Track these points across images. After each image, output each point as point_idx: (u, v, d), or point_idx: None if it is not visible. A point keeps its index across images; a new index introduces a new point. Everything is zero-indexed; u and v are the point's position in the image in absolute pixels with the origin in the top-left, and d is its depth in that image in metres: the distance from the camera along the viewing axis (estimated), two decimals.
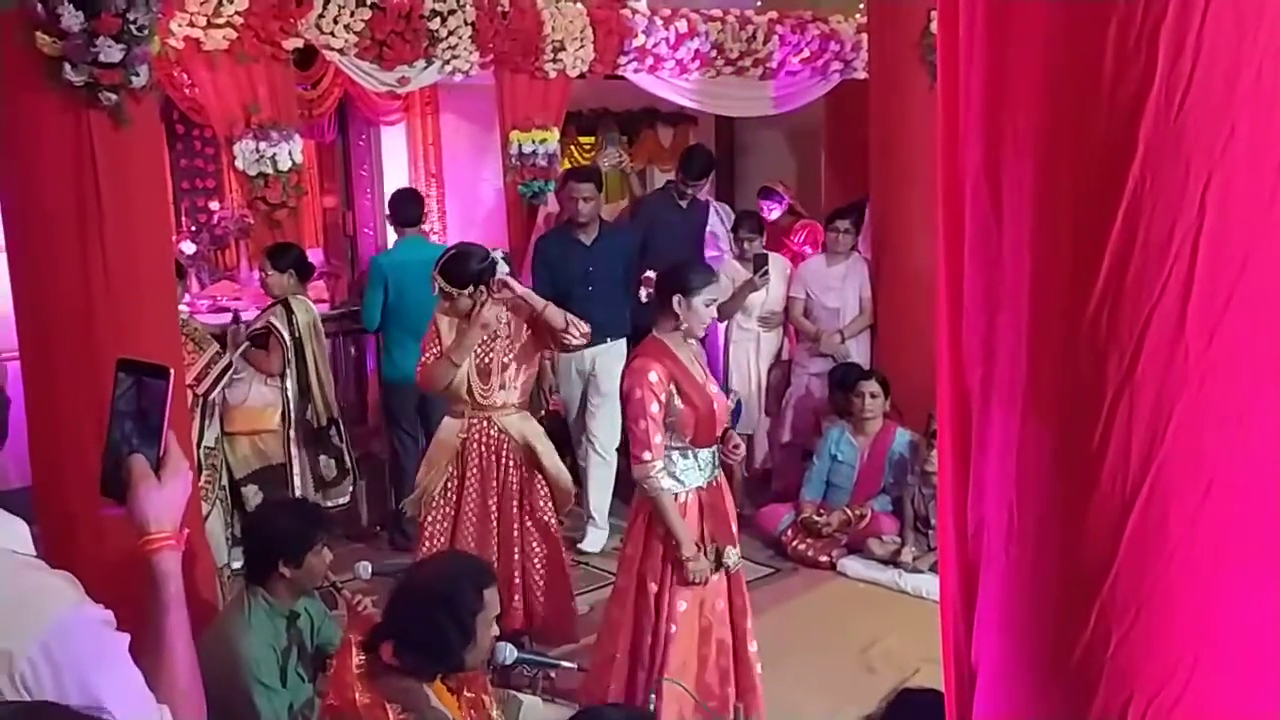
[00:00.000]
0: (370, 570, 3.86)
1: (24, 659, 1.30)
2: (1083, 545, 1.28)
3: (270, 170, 5.53)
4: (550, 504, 4.33)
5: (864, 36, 7.13)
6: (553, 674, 3.58)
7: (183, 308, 4.52)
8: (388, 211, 6.19)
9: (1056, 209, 1.25)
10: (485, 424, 4.22)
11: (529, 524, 4.30)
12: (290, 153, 5.59)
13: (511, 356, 4.20)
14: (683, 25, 6.89)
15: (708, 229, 6.83)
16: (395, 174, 8.12)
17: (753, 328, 6.30)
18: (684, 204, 6.59)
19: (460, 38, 5.93)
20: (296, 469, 5.24)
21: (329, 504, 5.23)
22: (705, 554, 3.62)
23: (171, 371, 1.54)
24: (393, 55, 5.77)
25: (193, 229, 7.64)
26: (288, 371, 5.20)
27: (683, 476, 3.63)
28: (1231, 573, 1.26)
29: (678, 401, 3.57)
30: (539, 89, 6.54)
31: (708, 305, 3.67)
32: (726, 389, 5.82)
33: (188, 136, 7.59)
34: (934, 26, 4.99)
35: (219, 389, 4.75)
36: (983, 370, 1.39)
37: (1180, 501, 1.24)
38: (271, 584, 3.31)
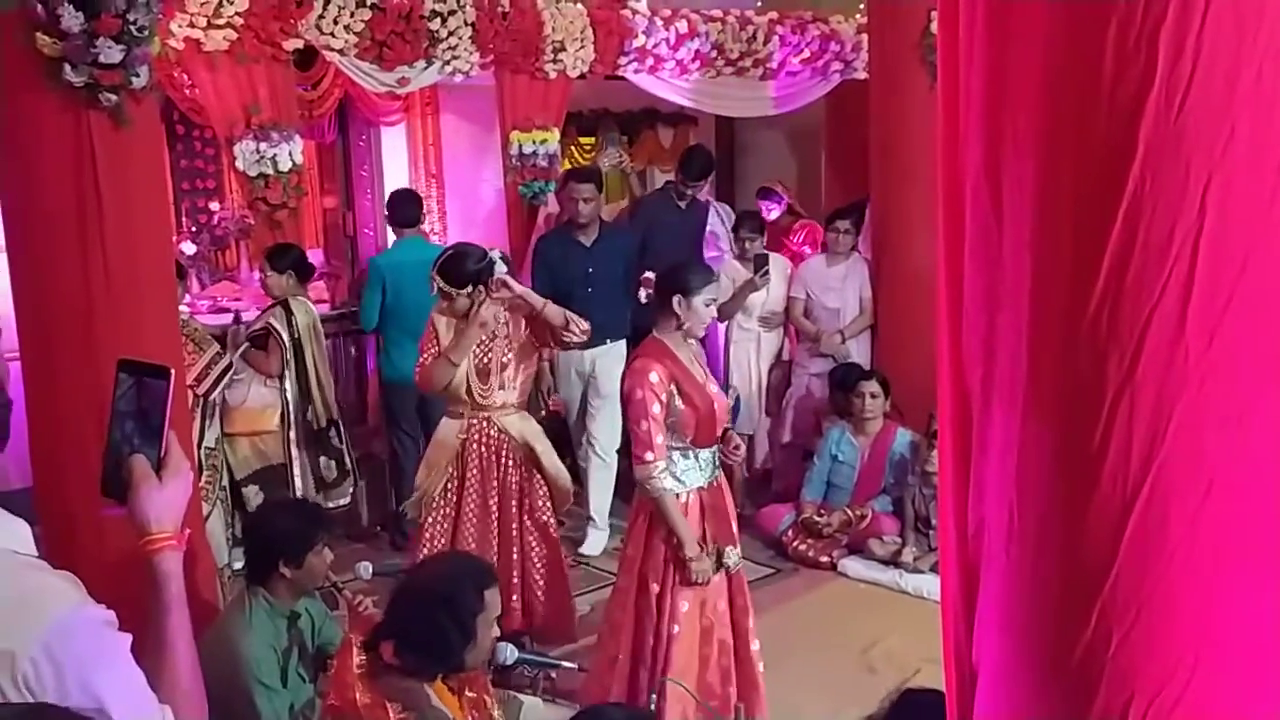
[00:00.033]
0: (371, 571, 3.87)
1: (26, 659, 1.30)
2: (1083, 545, 1.28)
3: (270, 171, 5.54)
4: (549, 504, 4.34)
5: (864, 37, 7.13)
6: (553, 674, 3.58)
7: (183, 308, 4.52)
8: (386, 212, 6.20)
9: (1057, 209, 1.25)
10: (485, 424, 4.22)
11: (529, 524, 4.30)
12: (290, 153, 5.59)
13: (510, 356, 4.21)
14: (683, 26, 6.89)
15: (708, 229, 6.83)
16: (395, 174, 8.12)
17: (753, 328, 6.30)
18: (683, 204, 6.59)
19: (460, 38, 5.93)
20: (297, 470, 5.24)
21: (330, 505, 5.23)
22: (706, 554, 3.62)
23: (172, 372, 1.54)
24: (393, 56, 5.78)
25: (193, 229, 7.64)
26: (286, 373, 5.20)
27: (684, 477, 3.63)
28: (1232, 573, 1.26)
29: (679, 402, 3.57)
30: (539, 89, 6.54)
31: (707, 305, 3.68)
32: (726, 387, 5.84)
33: (188, 137, 7.60)
34: (934, 27, 4.99)
35: (219, 389, 4.75)
36: (983, 370, 1.39)
37: (1181, 502, 1.24)
38: (272, 584, 3.31)
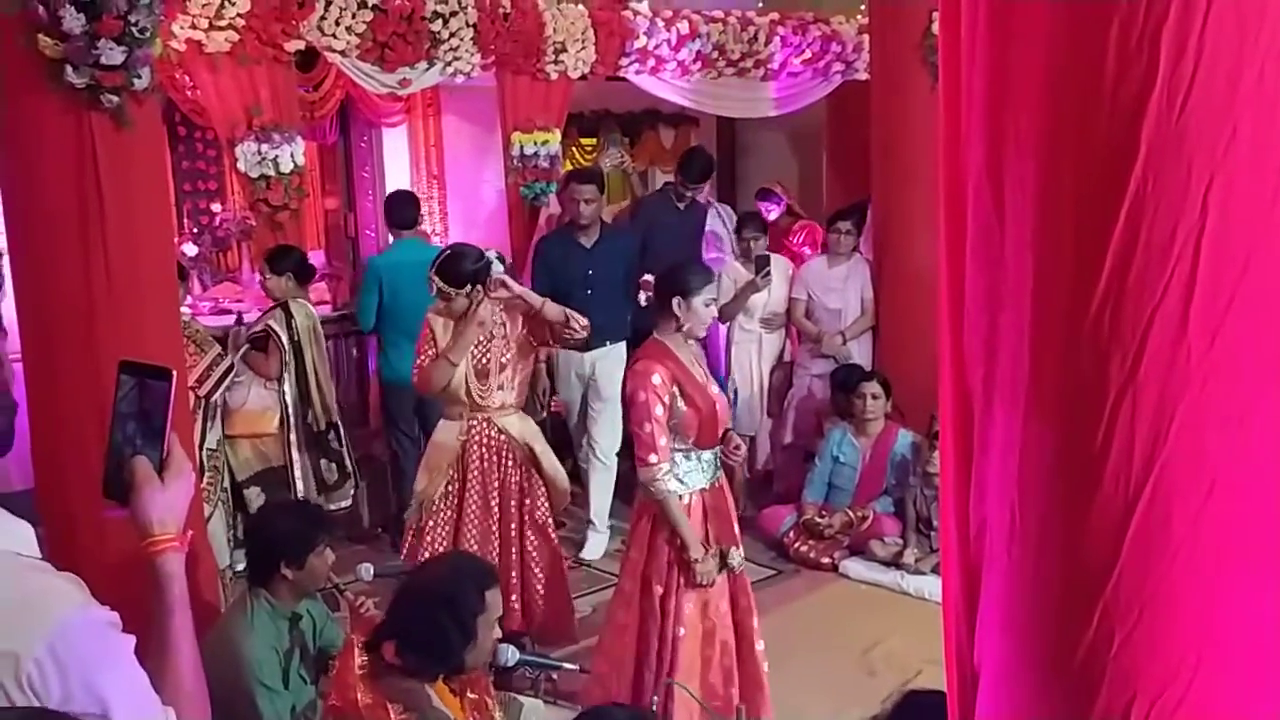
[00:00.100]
0: (372, 572, 3.87)
1: (30, 660, 1.30)
2: (1085, 546, 1.28)
3: (272, 172, 5.54)
4: (549, 504, 4.34)
5: (865, 37, 7.13)
6: (554, 676, 3.58)
7: (184, 310, 4.52)
8: (384, 213, 6.20)
9: (1059, 209, 1.25)
10: (485, 425, 4.22)
11: (529, 525, 4.31)
12: (292, 154, 5.60)
13: (509, 356, 4.21)
14: (684, 26, 6.89)
15: (709, 230, 6.84)
16: (397, 176, 8.13)
17: (755, 329, 6.30)
18: (682, 206, 6.58)
19: (462, 39, 5.94)
20: (298, 472, 5.24)
21: (331, 507, 5.23)
22: (710, 556, 3.62)
23: (174, 373, 1.54)
24: (394, 57, 5.78)
25: (194, 231, 7.65)
26: (286, 375, 5.20)
27: (686, 478, 3.63)
28: (1234, 573, 1.26)
29: (681, 404, 3.57)
30: (540, 90, 6.54)
31: (707, 305, 3.67)
32: (724, 384, 5.83)
33: (189, 138, 7.61)
34: (935, 27, 5.00)
35: (221, 391, 4.76)
36: (985, 370, 1.39)
37: (1183, 502, 1.24)
38: (274, 586, 3.31)
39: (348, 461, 5.45)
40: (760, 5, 7.75)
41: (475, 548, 4.15)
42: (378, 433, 6.16)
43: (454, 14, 5.86)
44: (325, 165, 8.20)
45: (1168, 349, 1.21)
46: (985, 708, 1.44)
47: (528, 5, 6.25)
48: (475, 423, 4.22)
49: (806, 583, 5.52)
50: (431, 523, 4.24)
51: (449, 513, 4.24)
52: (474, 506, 4.22)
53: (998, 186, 1.32)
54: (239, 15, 5.19)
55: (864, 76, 7.22)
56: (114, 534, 2.26)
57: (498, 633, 2.91)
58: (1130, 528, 1.25)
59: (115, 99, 3.28)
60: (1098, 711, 1.29)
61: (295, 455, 5.24)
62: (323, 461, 5.36)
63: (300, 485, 5.23)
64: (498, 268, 4.11)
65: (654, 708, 3.55)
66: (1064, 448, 1.29)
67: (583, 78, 6.71)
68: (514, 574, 4.26)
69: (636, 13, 6.78)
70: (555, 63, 6.44)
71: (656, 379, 3.53)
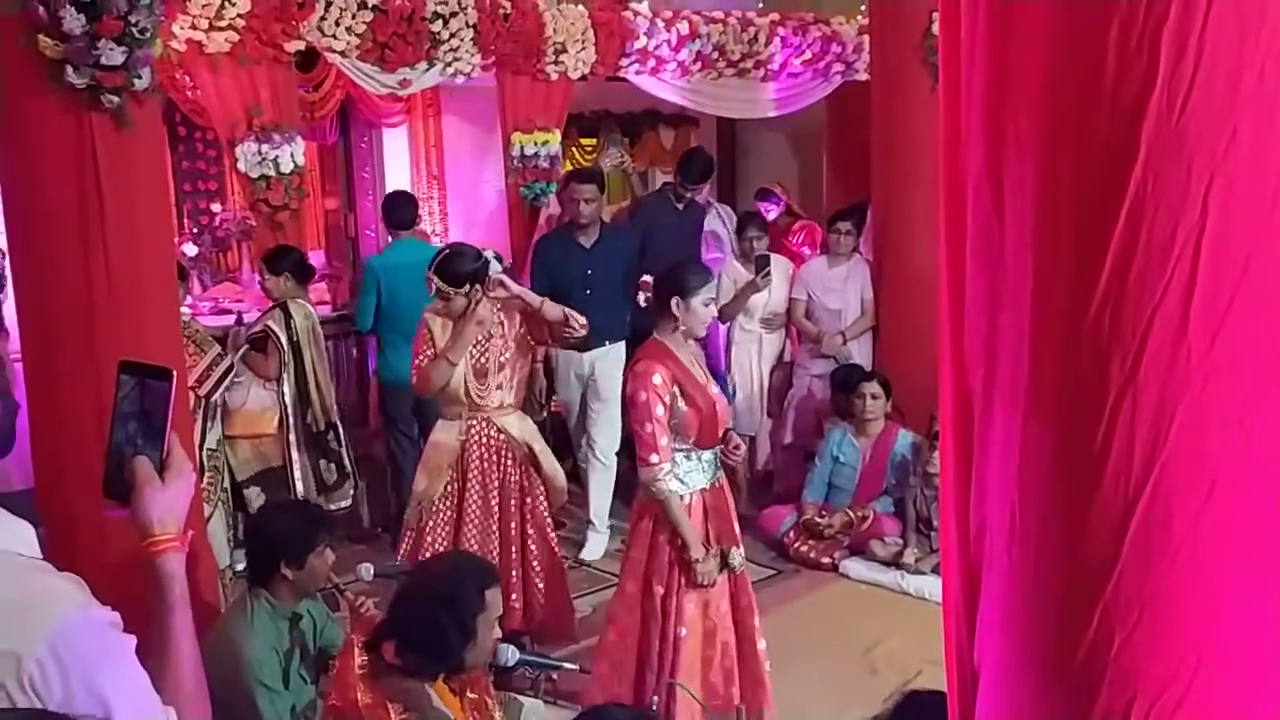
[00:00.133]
0: (372, 572, 3.86)
1: (32, 660, 1.30)
2: (1085, 546, 1.28)
3: (272, 172, 5.55)
4: (548, 504, 4.35)
5: (865, 38, 7.14)
6: (554, 676, 3.58)
7: (184, 310, 4.52)
8: (381, 214, 6.19)
9: (1059, 210, 1.25)
10: (484, 425, 4.22)
11: (529, 524, 4.31)
12: (292, 155, 5.60)
13: (507, 356, 4.21)
14: (684, 27, 6.90)
15: (709, 230, 6.84)
16: (397, 176, 8.14)
17: (755, 329, 6.31)
18: (681, 206, 6.58)
19: (462, 40, 5.94)
20: (298, 473, 5.24)
21: (330, 508, 5.23)
22: (711, 555, 3.62)
23: (174, 373, 1.54)
24: (394, 57, 5.78)
25: (195, 231, 7.66)
26: (285, 376, 5.20)
27: (687, 478, 3.63)
28: (1235, 574, 1.26)
29: (681, 404, 3.57)
30: (540, 91, 6.55)
31: (706, 305, 3.67)
32: (722, 381, 5.83)
33: (190, 139, 7.62)
34: (935, 28, 5.00)
35: (221, 391, 4.76)
36: (985, 371, 1.39)
37: (1183, 502, 1.24)
38: (274, 586, 3.31)
39: (347, 462, 5.45)
40: (760, 6, 7.76)
41: (475, 547, 4.15)
42: (378, 433, 6.16)
43: (454, 14, 5.86)
44: (325, 165, 8.21)
45: (1168, 349, 1.21)
46: (985, 708, 1.44)
47: (528, 6, 6.25)
48: (475, 422, 4.22)
49: (806, 583, 5.52)
50: (431, 523, 4.23)
51: (449, 513, 4.24)
52: (474, 506, 4.22)
53: (998, 186, 1.32)
54: (239, 16, 5.19)
55: (864, 77, 7.22)
56: (114, 534, 2.26)
57: (498, 632, 2.91)
58: (1130, 528, 1.25)
59: (115, 99, 3.28)
60: (1098, 712, 1.29)
61: (294, 456, 5.24)
62: (322, 462, 5.36)
63: (300, 486, 5.23)
64: (495, 267, 4.12)
65: (655, 708, 3.55)
66: (1064, 448, 1.29)
67: (583, 78, 6.71)
68: (514, 573, 4.26)
69: (637, 13, 6.78)
70: (555, 63, 6.44)
71: (657, 379, 3.53)
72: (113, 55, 3.21)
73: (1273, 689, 1.29)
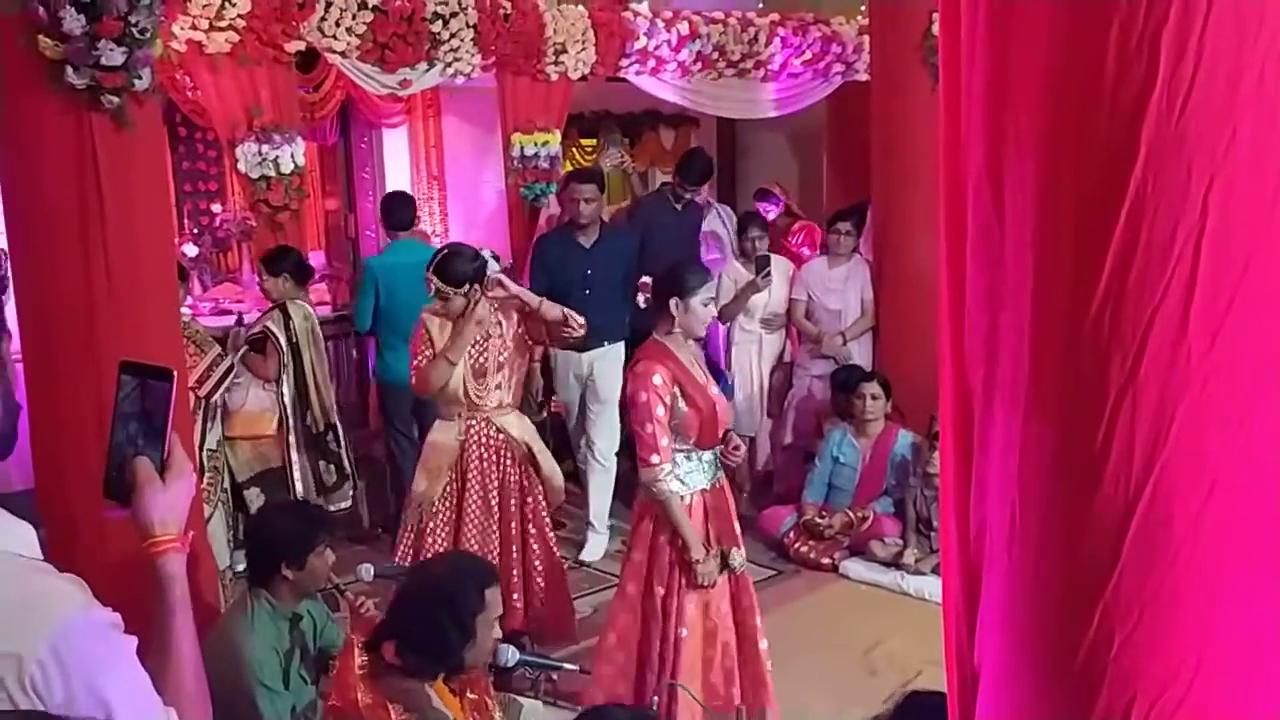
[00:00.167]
0: (372, 572, 3.86)
1: (33, 662, 1.30)
2: (1086, 546, 1.28)
3: (272, 173, 5.54)
4: (547, 503, 4.35)
5: (866, 38, 7.14)
6: (554, 676, 3.58)
7: (184, 310, 4.52)
8: (379, 215, 6.19)
9: (1059, 210, 1.25)
10: (483, 425, 4.22)
11: (529, 524, 4.31)
12: (292, 155, 5.60)
13: (506, 356, 4.21)
14: (684, 27, 6.90)
15: (708, 231, 6.84)
16: (397, 176, 8.13)
17: (755, 330, 6.31)
18: (679, 206, 6.58)
19: (462, 40, 5.94)
20: (297, 474, 5.25)
21: (330, 508, 5.23)
22: (712, 556, 3.62)
23: (175, 373, 1.54)
24: (394, 58, 5.78)
25: (195, 231, 7.66)
26: (284, 377, 5.20)
27: (687, 479, 3.63)
28: (1235, 574, 1.26)
29: (682, 404, 3.57)
30: (540, 91, 6.54)
31: (705, 305, 3.67)
32: (720, 379, 5.82)
33: (190, 139, 7.62)
34: (935, 28, 5.00)
35: (221, 391, 4.76)
36: (985, 371, 1.39)
37: (1183, 503, 1.24)
38: (274, 586, 3.32)
39: (346, 463, 5.45)
40: (760, 6, 7.76)
41: (475, 547, 4.15)
42: (377, 434, 6.16)
43: (454, 15, 5.86)
44: (325, 166, 8.21)
45: (1168, 349, 1.21)
46: (985, 708, 1.44)
47: (528, 6, 6.25)
48: (474, 423, 4.22)
49: (807, 583, 5.52)
50: (432, 523, 4.24)
51: (449, 513, 4.24)
52: (474, 506, 4.22)
53: (998, 186, 1.32)
54: (239, 16, 5.19)
55: (864, 77, 7.22)
56: (115, 535, 2.26)
57: (498, 632, 2.91)
58: (1130, 528, 1.25)
59: (116, 100, 3.28)
60: (1098, 712, 1.30)
61: (294, 457, 5.24)
62: (321, 463, 5.36)
63: (299, 487, 5.24)
64: (494, 267, 4.12)
65: (655, 708, 3.55)
66: (1064, 448, 1.29)
67: (583, 78, 6.71)
68: (514, 573, 4.26)
69: (637, 14, 6.78)
70: (555, 64, 6.44)
71: (658, 379, 3.53)
72: (113, 56, 3.21)
73: (1273, 689, 1.29)
